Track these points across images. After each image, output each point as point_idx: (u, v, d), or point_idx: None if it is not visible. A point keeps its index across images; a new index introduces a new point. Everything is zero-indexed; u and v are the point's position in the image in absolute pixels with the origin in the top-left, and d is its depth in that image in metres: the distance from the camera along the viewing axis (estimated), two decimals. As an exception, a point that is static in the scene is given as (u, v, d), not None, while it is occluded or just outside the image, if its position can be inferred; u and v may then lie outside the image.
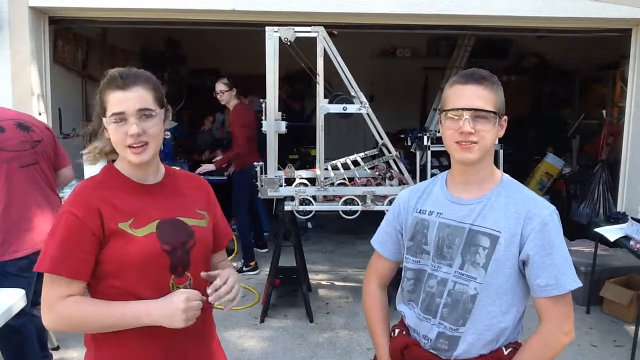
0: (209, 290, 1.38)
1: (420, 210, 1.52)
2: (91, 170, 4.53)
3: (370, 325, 1.64)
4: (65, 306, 1.31)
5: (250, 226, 5.15)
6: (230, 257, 5.19)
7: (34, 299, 2.75)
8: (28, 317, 2.70)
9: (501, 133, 1.44)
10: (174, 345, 1.41)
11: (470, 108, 1.37)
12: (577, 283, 1.38)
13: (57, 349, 3.33)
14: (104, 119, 1.37)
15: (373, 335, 1.63)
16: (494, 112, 1.38)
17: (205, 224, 1.49)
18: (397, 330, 1.58)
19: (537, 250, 1.36)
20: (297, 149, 6.79)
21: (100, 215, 1.33)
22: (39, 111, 4.51)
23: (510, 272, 1.39)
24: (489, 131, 1.38)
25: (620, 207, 4.87)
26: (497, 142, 1.56)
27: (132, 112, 1.34)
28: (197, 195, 1.53)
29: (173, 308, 1.30)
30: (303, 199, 3.80)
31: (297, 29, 3.64)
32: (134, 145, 1.35)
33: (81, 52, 5.60)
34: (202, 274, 1.42)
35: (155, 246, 1.36)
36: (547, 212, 1.38)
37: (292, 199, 3.82)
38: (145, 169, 1.43)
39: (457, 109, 1.38)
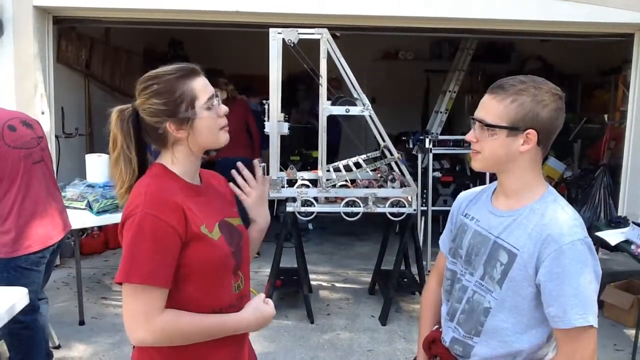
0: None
1: (466, 214, 1.52)
2: (92, 169, 4.43)
3: (420, 318, 1.71)
4: (166, 320, 1.23)
5: None
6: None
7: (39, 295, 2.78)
8: (38, 313, 2.73)
9: (524, 148, 1.32)
10: (240, 349, 1.43)
11: (473, 117, 1.37)
12: (584, 321, 1.24)
13: (58, 347, 3.33)
14: (193, 110, 1.29)
15: (419, 327, 1.69)
16: (491, 125, 1.32)
17: (242, 222, 1.48)
18: (436, 326, 1.62)
19: (548, 277, 1.28)
20: (298, 150, 6.79)
21: (185, 217, 1.25)
22: (42, 110, 4.52)
23: (527, 294, 1.33)
24: (489, 143, 1.34)
25: (621, 212, 4.87)
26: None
27: (215, 95, 1.35)
28: (227, 194, 1.52)
29: (267, 317, 1.40)
30: (305, 200, 3.80)
31: (300, 30, 3.65)
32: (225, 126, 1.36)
33: (84, 52, 5.61)
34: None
35: (227, 249, 1.34)
36: (567, 240, 1.27)
37: (293, 200, 3.83)
38: (197, 166, 1.39)
39: (471, 117, 1.38)
